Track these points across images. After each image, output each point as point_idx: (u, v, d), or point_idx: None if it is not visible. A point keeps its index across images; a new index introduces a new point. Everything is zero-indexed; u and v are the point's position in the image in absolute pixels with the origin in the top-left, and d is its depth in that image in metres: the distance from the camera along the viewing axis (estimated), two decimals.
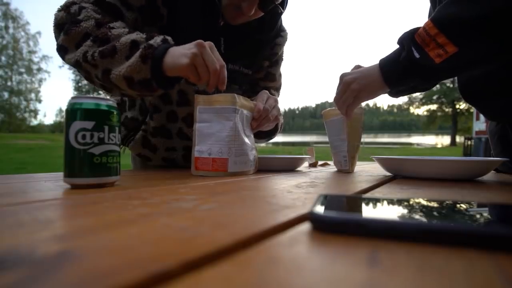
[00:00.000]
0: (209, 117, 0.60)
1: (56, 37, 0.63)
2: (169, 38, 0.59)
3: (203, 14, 0.71)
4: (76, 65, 0.61)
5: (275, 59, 0.92)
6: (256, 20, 0.75)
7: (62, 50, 0.62)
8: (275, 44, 0.88)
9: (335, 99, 0.68)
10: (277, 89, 0.97)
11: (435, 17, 0.54)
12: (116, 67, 0.57)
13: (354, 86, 0.63)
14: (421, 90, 0.76)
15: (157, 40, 0.57)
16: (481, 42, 0.51)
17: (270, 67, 0.92)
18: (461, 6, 0.51)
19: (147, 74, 0.56)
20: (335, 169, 0.79)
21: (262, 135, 0.88)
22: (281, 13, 0.80)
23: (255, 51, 0.83)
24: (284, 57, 0.95)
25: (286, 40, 0.91)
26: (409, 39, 0.57)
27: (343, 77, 0.66)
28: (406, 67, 0.57)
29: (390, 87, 0.62)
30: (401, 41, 0.59)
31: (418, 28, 0.56)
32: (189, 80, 0.59)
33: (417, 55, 0.55)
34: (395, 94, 0.76)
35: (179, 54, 0.55)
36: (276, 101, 0.75)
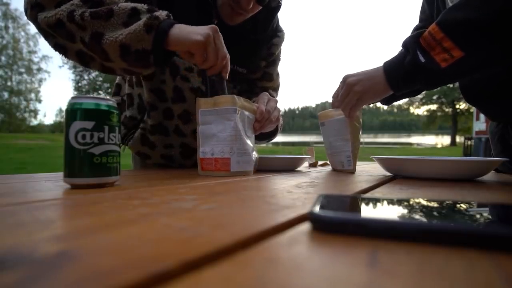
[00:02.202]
0: (211, 119, 0.61)
1: None
2: (170, 14, 0.57)
3: (197, 13, 0.71)
4: (56, 24, 0.54)
5: (272, 59, 0.92)
6: (250, 20, 0.75)
7: (37, 7, 0.56)
8: (272, 44, 0.88)
9: (339, 100, 0.68)
10: (275, 89, 0.98)
11: (440, 21, 0.54)
12: (110, 31, 0.53)
13: (357, 88, 0.64)
14: (421, 92, 0.76)
15: (162, 13, 0.55)
16: (487, 47, 0.51)
17: (267, 67, 0.92)
18: (467, 11, 0.51)
19: (149, 45, 0.53)
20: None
21: (263, 136, 0.89)
22: (278, 8, 0.79)
23: (250, 51, 0.83)
24: (282, 57, 0.95)
25: (283, 40, 0.91)
26: (414, 43, 0.57)
27: (346, 78, 0.66)
28: (410, 71, 0.57)
29: (394, 90, 0.62)
30: (405, 44, 0.59)
31: (423, 32, 0.56)
32: (189, 58, 0.58)
33: (422, 59, 0.55)
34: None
35: (191, 30, 0.55)
36: (276, 103, 0.75)
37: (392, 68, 0.61)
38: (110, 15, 0.53)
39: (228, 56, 0.59)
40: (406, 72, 0.58)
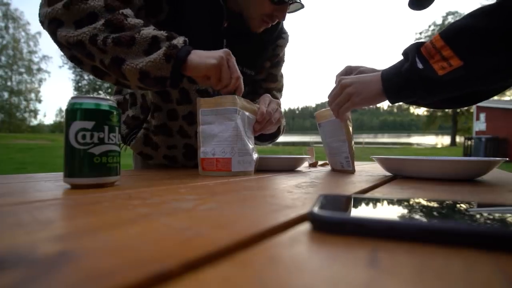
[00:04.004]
0: (212, 119, 0.61)
1: (47, 4, 0.58)
2: (187, 39, 0.60)
3: (209, 17, 0.71)
4: (77, 44, 0.56)
5: (277, 60, 0.92)
6: None
7: (55, 23, 0.57)
8: (277, 45, 0.89)
9: (330, 99, 0.67)
10: (279, 90, 0.98)
11: (443, 30, 0.54)
12: (132, 58, 0.56)
13: (349, 90, 0.63)
14: (420, 105, 0.73)
15: (179, 40, 0.58)
16: (487, 57, 0.50)
17: (271, 68, 0.93)
18: (468, 21, 0.51)
19: (167, 72, 0.57)
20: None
21: (265, 138, 0.90)
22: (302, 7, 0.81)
23: (258, 53, 0.84)
24: (285, 59, 0.96)
25: (287, 42, 0.92)
26: (414, 51, 0.56)
27: (341, 79, 0.65)
28: (408, 78, 0.56)
29: (388, 97, 0.61)
30: (405, 52, 0.58)
31: (424, 42, 0.56)
32: (205, 82, 0.61)
33: (420, 65, 0.54)
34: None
35: (207, 55, 0.58)
36: (278, 104, 0.76)
37: (389, 74, 0.59)
38: (132, 43, 0.56)
39: (241, 77, 0.62)
40: (403, 79, 0.57)
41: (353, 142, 0.72)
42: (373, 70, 0.70)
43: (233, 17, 0.74)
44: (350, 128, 0.71)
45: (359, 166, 1.01)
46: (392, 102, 0.62)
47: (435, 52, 0.53)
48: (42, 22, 0.60)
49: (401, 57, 0.60)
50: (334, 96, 0.66)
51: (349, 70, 0.74)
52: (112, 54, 0.56)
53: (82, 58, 0.60)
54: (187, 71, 0.59)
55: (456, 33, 0.52)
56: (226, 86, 0.61)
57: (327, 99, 0.73)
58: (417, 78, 0.55)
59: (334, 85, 0.70)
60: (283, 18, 0.73)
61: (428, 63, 0.54)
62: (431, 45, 0.54)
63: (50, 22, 0.58)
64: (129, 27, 0.57)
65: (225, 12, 0.72)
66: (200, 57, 0.58)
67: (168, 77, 0.57)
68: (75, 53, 0.59)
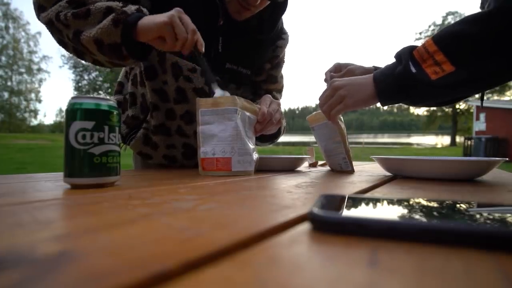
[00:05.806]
0: (211, 119, 0.61)
1: None
2: (144, 9, 0.60)
3: (204, 12, 0.71)
4: (49, 23, 0.61)
5: (277, 62, 0.92)
6: (255, 19, 0.76)
7: (40, 9, 0.62)
8: (277, 46, 0.89)
9: (321, 101, 0.67)
10: (279, 91, 0.98)
11: (436, 35, 0.54)
12: (88, 29, 0.58)
13: (341, 92, 0.62)
14: (410, 104, 0.73)
15: (131, 8, 0.58)
16: (479, 63, 0.50)
17: (272, 69, 0.92)
18: (463, 26, 0.51)
19: (118, 38, 0.57)
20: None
21: (266, 138, 0.90)
22: (284, 7, 0.79)
23: (254, 51, 0.84)
24: (285, 60, 0.95)
25: (287, 43, 0.91)
26: (407, 55, 0.56)
27: (333, 82, 0.64)
28: (401, 81, 0.56)
29: (380, 100, 0.60)
30: (398, 55, 0.58)
31: (417, 46, 0.56)
32: (162, 45, 0.59)
33: (413, 69, 0.54)
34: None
35: (157, 16, 0.57)
36: (279, 105, 0.76)
37: (382, 78, 0.59)
38: (87, 15, 0.58)
39: (197, 30, 0.59)
40: (396, 83, 0.57)
41: (348, 142, 0.71)
42: (362, 68, 0.70)
43: (228, 14, 0.73)
44: (343, 128, 0.71)
45: (359, 166, 1.01)
46: (384, 104, 0.62)
47: (428, 57, 0.53)
48: (36, 13, 0.64)
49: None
50: (326, 98, 0.65)
51: (338, 67, 0.74)
52: (74, 28, 0.59)
53: (63, 40, 0.63)
54: (139, 37, 0.58)
55: (448, 38, 0.52)
56: (184, 43, 0.59)
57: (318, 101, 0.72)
58: (410, 82, 0.55)
59: (326, 83, 0.70)
60: (255, 1, 0.68)
61: (421, 67, 0.54)
62: (423, 49, 0.54)
63: (38, 9, 0.63)
64: (90, 2, 0.59)
65: (220, 9, 0.71)
66: (150, 19, 0.57)
67: (120, 43, 0.57)
68: (58, 35, 0.62)
